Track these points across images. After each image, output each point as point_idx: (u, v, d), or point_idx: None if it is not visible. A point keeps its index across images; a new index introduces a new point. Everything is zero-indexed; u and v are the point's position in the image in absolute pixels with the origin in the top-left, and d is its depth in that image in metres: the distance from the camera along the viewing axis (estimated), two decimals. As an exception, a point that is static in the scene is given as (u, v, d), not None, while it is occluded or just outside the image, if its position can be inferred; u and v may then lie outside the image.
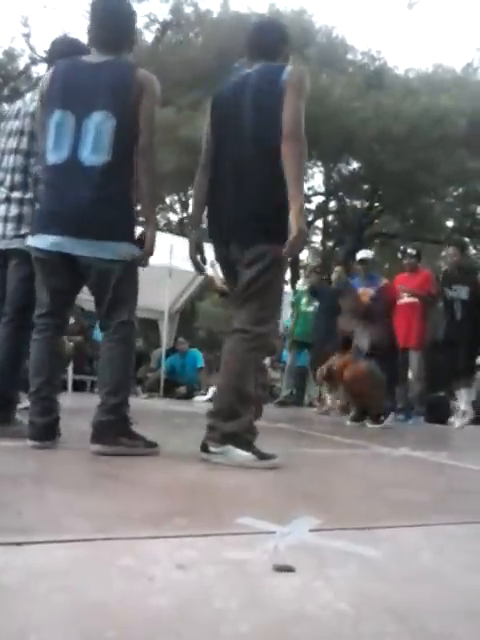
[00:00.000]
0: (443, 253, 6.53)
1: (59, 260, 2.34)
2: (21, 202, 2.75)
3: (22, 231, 2.69)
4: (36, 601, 0.85)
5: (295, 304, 7.69)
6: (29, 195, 2.74)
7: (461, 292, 5.80)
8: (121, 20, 2.52)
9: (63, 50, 2.71)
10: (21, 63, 19.51)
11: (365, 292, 6.27)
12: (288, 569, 1.05)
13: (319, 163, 17.06)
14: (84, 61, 2.44)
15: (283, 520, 1.35)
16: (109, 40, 2.44)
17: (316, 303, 7.28)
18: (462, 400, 5.83)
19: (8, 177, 2.78)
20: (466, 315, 5.75)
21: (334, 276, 6.93)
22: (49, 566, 1.01)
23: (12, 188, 2.76)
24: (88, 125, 2.31)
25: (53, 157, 2.34)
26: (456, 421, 5.79)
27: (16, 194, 2.75)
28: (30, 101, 2.79)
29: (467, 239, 19.13)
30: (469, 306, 5.76)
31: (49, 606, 0.84)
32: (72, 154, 2.31)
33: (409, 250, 6.73)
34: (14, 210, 2.74)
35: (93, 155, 2.30)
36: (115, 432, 2.29)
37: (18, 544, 1.09)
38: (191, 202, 2.60)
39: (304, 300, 7.55)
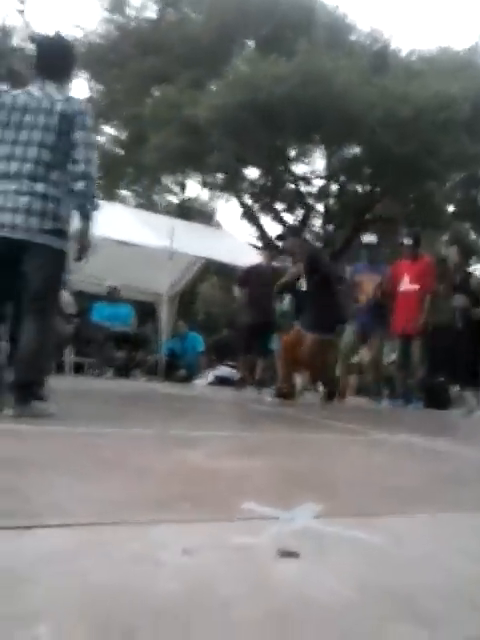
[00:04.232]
0: (443, 249, 6.40)
1: None
2: (45, 197, 2.77)
3: (46, 226, 2.73)
4: (47, 585, 0.87)
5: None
6: (53, 191, 2.77)
7: (459, 300, 5.82)
8: None
9: None
10: (16, 40, 19.24)
11: (367, 282, 6.29)
12: (292, 555, 1.07)
13: (322, 146, 16.94)
14: None
15: (286, 506, 1.36)
16: None
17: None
18: (468, 400, 5.91)
19: (29, 167, 2.78)
20: (466, 324, 5.79)
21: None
22: (58, 551, 1.02)
23: (35, 179, 2.77)
24: None
25: None
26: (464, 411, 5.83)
27: (40, 187, 2.77)
28: (59, 100, 2.80)
29: (467, 224, 19.09)
30: (468, 315, 5.81)
31: (60, 590, 0.85)
32: None
33: (405, 240, 6.59)
34: (38, 204, 2.76)
35: None
36: None
37: (27, 528, 1.11)
38: None
39: None
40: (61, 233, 2.83)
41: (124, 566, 0.97)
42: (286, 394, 5.36)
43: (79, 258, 2.96)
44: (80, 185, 2.78)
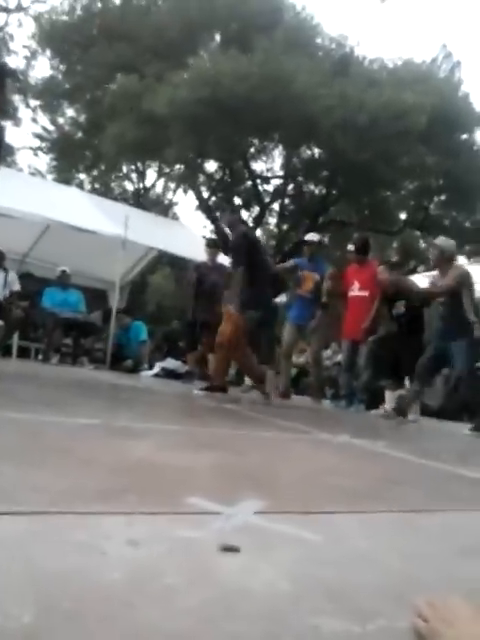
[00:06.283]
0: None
1: None
2: None
3: None
4: (-7, 570, 0.89)
5: None
6: None
7: (399, 307, 5.94)
8: None
9: None
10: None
11: (309, 276, 6.45)
12: (233, 549, 1.11)
13: (280, 146, 17.08)
14: None
15: (228, 501, 1.41)
16: None
17: None
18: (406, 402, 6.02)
19: None
20: (409, 327, 5.90)
21: None
22: (2, 537, 1.03)
23: None
24: None
25: None
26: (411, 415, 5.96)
27: None
28: None
29: (418, 232, 19.59)
30: (408, 317, 5.92)
31: (5, 575, 0.87)
32: None
33: (349, 245, 6.84)
34: None
35: None
36: None
37: (-28, 514, 1.12)
38: None
39: None
40: None
41: (70, 555, 0.99)
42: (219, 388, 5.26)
43: None
44: None
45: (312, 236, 6.98)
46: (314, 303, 6.48)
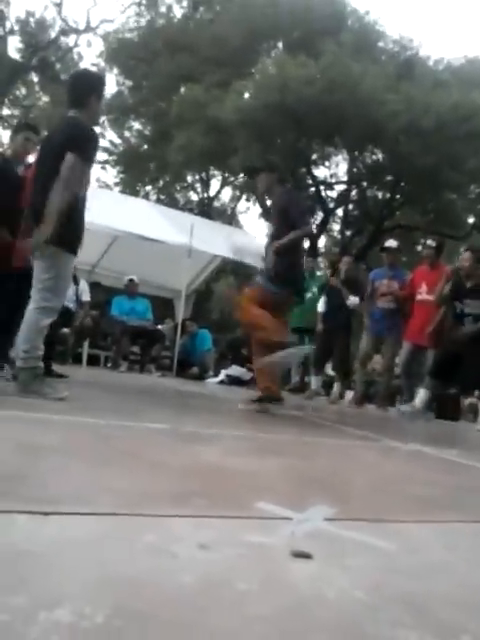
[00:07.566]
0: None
1: None
2: None
3: None
4: (67, 571, 0.89)
5: None
6: None
7: (474, 308, 5.36)
8: None
9: None
10: (51, 33, 19.56)
11: (389, 284, 6.30)
12: (305, 556, 1.08)
13: (344, 151, 16.93)
14: None
15: (298, 507, 1.38)
16: None
17: (314, 290, 7.26)
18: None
19: None
20: (477, 330, 5.33)
21: (343, 267, 7.02)
22: (76, 537, 1.04)
23: None
24: None
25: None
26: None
27: None
28: None
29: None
30: None
31: (79, 577, 0.87)
32: None
33: (429, 241, 6.63)
34: None
35: None
36: None
37: (45, 514, 1.13)
38: None
39: None
40: None
41: (141, 556, 0.99)
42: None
43: None
44: None
45: (391, 243, 6.82)
46: (391, 316, 6.34)
